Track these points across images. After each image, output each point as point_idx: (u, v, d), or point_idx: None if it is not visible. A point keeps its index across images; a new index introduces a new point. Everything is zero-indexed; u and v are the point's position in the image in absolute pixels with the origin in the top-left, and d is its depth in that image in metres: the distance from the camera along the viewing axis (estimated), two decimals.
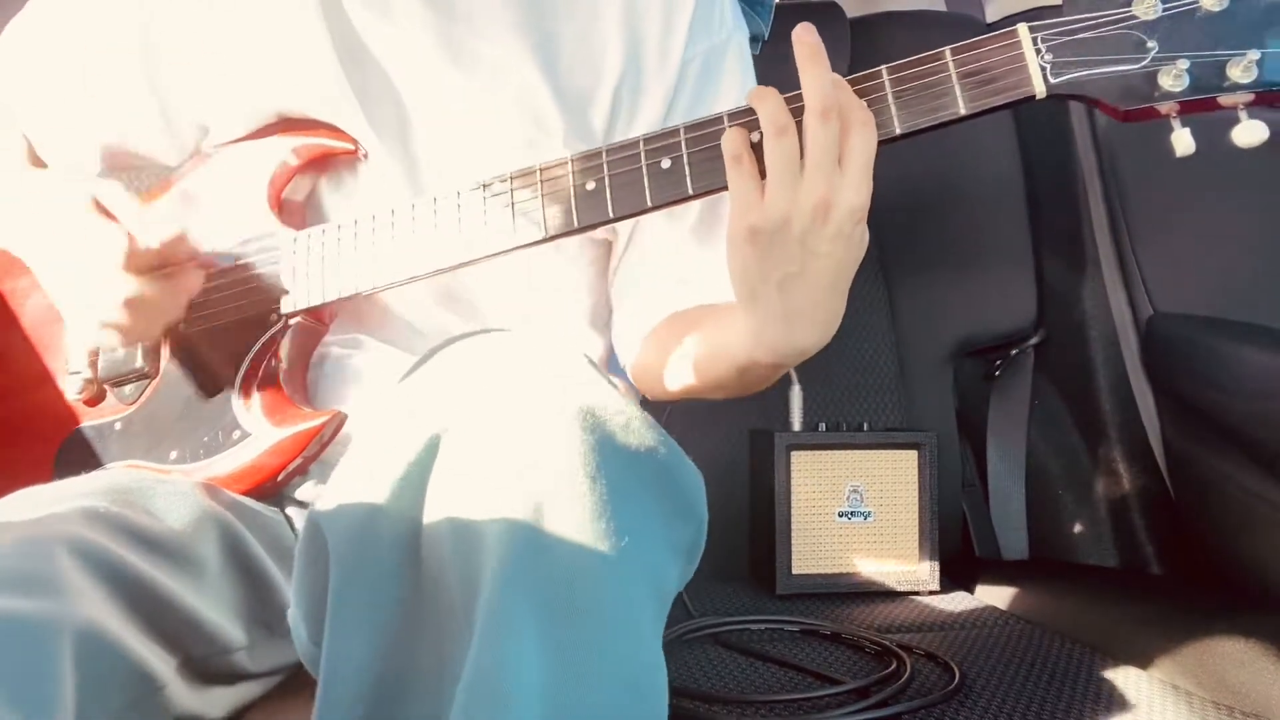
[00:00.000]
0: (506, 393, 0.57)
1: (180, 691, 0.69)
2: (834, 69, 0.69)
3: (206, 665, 0.72)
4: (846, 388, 1.39)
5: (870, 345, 1.41)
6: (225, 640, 0.73)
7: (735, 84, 0.96)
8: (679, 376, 0.86)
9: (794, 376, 1.31)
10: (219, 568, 0.75)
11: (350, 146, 0.90)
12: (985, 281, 1.42)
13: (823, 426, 1.27)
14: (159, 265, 0.84)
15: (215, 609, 0.73)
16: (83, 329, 0.88)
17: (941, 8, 1.63)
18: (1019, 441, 1.43)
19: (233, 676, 0.75)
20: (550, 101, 0.90)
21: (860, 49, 1.43)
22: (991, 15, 1.54)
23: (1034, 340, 1.43)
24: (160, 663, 0.67)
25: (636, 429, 0.57)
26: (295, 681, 0.79)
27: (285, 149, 0.90)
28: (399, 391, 0.63)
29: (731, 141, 0.70)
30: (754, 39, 1.39)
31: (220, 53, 0.91)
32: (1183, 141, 0.70)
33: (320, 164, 0.91)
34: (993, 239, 1.43)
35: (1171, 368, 1.27)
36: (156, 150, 0.98)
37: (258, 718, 0.77)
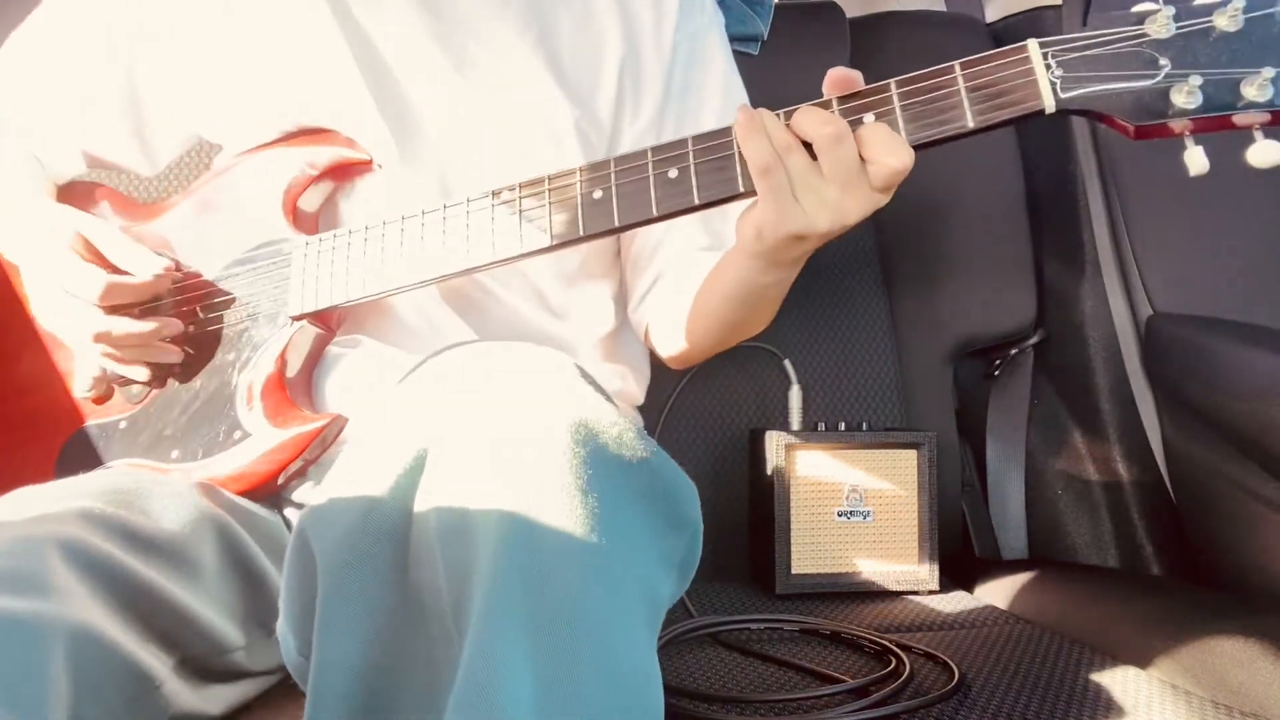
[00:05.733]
0: (498, 405, 0.57)
1: (178, 689, 0.69)
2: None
3: (204, 664, 0.72)
4: (846, 388, 1.39)
5: (870, 345, 1.41)
6: (222, 640, 0.73)
7: (720, 70, 1.00)
8: (695, 326, 0.92)
9: (794, 376, 1.31)
10: (216, 568, 0.75)
11: (366, 158, 0.90)
12: (985, 281, 1.42)
13: (822, 426, 1.27)
14: (135, 305, 0.87)
15: (212, 609, 0.73)
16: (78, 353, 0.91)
17: (941, 8, 1.62)
18: (1018, 442, 1.43)
19: (231, 675, 0.75)
20: (558, 93, 0.91)
21: (860, 49, 1.43)
22: (991, 15, 1.54)
23: (1034, 340, 1.43)
24: (156, 662, 0.67)
25: (629, 442, 0.58)
26: (293, 680, 0.79)
27: (303, 159, 0.91)
28: (390, 401, 0.63)
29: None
30: (753, 39, 1.40)
31: (235, 66, 0.92)
32: (1195, 161, 0.69)
33: (337, 174, 0.92)
34: (992, 238, 1.43)
35: (1171, 368, 1.27)
36: (129, 162, 1.01)
37: (257, 715, 0.77)
